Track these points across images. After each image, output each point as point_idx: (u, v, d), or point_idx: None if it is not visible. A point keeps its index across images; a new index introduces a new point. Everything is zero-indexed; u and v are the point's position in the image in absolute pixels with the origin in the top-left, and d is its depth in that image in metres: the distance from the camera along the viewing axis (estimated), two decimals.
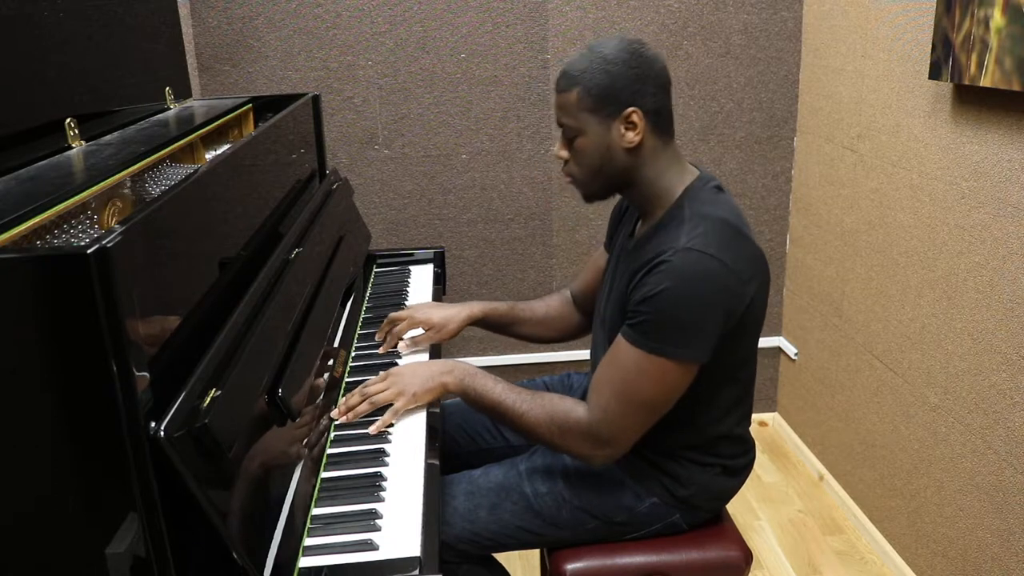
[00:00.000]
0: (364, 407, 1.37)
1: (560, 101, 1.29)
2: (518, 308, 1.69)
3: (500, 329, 1.70)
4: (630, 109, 1.24)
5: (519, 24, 2.41)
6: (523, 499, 1.40)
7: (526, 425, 1.32)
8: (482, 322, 1.67)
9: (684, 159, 1.34)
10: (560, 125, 1.31)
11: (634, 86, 1.24)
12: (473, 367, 1.40)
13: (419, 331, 1.64)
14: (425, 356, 1.61)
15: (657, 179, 1.30)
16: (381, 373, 1.43)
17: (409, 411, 1.39)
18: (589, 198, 1.37)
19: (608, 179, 1.32)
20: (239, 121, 1.83)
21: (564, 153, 1.32)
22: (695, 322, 1.20)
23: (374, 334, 1.67)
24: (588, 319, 1.67)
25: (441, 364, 1.40)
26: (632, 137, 1.26)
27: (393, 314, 1.66)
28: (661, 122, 1.28)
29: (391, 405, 1.37)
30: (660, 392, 1.24)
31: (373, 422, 1.35)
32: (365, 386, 1.40)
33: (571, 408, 1.29)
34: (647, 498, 1.38)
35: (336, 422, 1.37)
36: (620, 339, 1.25)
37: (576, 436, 1.28)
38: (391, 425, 1.36)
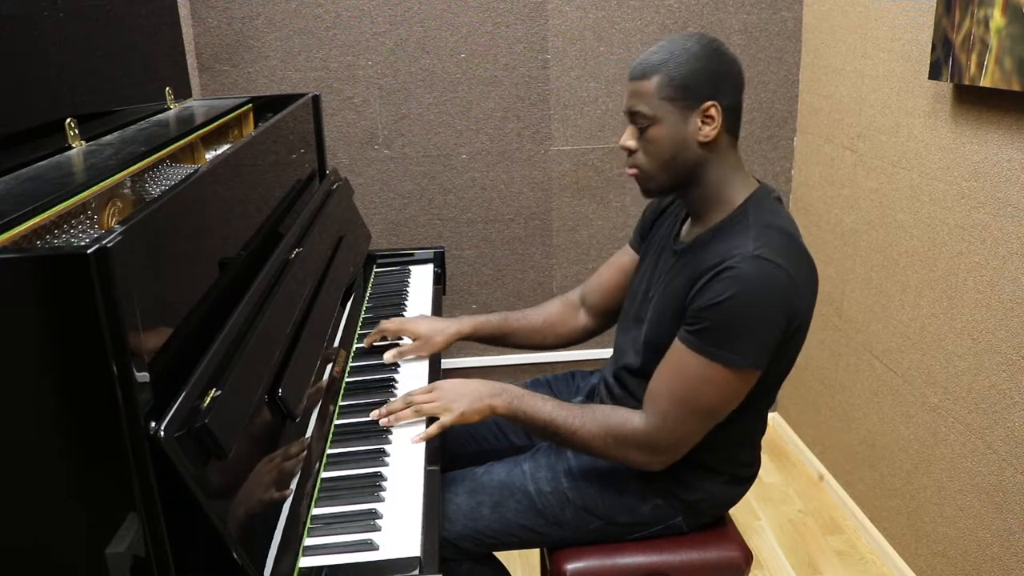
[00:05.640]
0: (408, 414, 1.35)
1: (636, 88, 1.26)
2: (511, 319, 1.66)
3: (494, 341, 1.67)
4: (710, 103, 1.23)
5: (519, 24, 2.41)
6: (526, 498, 1.39)
7: (581, 440, 1.30)
8: (473, 337, 1.65)
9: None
10: (631, 113, 1.27)
11: (716, 80, 1.23)
12: (520, 389, 1.38)
13: (407, 340, 1.63)
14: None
15: (722, 181, 1.29)
16: (428, 384, 1.41)
17: None
18: (651, 193, 1.34)
19: (677, 173, 1.28)
20: (239, 121, 1.83)
21: (632, 143, 1.29)
22: (759, 330, 1.18)
23: None
24: (597, 321, 1.65)
25: (489, 386, 1.37)
26: (708, 131, 1.24)
27: (384, 322, 1.65)
28: (734, 121, 1.28)
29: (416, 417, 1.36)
30: (720, 399, 1.23)
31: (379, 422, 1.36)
32: (411, 394, 1.38)
33: (626, 418, 1.28)
34: (651, 500, 1.38)
35: (368, 424, 1.37)
36: (679, 345, 1.23)
37: (633, 446, 1.27)
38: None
